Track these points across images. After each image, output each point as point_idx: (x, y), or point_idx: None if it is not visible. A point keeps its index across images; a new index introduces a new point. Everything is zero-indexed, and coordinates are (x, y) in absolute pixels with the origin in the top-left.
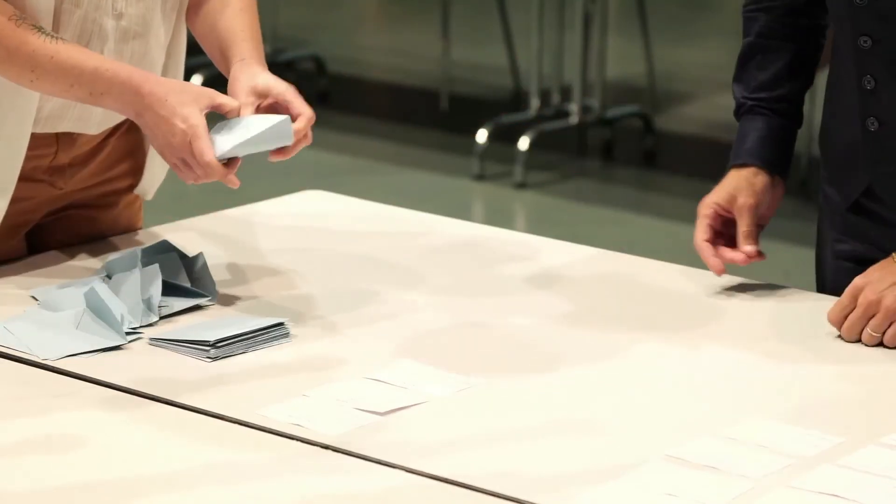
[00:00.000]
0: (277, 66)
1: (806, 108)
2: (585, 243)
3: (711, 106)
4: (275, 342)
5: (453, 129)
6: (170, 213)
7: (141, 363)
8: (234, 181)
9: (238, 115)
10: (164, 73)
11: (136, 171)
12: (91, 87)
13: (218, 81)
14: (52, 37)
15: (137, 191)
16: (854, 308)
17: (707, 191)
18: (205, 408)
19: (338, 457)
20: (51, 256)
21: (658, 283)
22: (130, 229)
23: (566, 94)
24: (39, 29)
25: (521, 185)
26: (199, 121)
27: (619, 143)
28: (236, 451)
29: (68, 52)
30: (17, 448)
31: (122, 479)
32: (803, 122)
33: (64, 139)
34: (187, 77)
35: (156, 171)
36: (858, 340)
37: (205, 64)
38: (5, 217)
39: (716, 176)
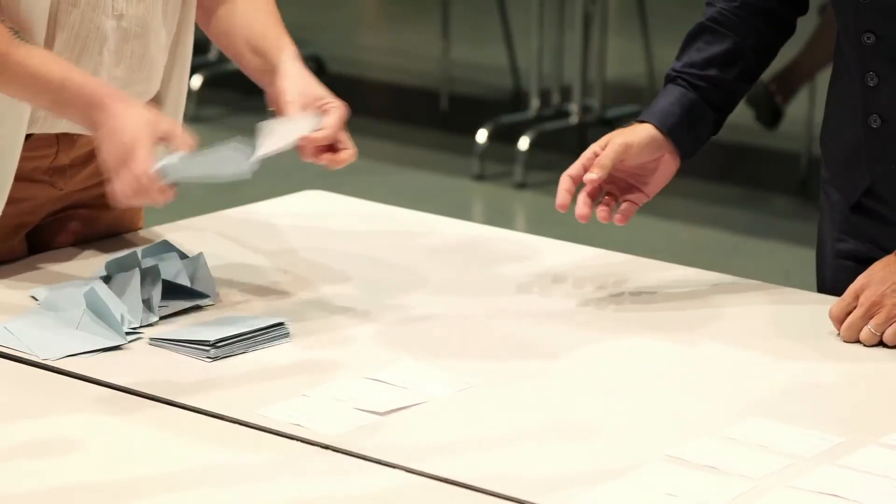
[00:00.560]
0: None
1: (806, 108)
2: (585, 243)
3: None
4: (275, 342)
5: (453, 129)
6: (170, 213)
7: (141, 363)
8: (169, 195)
9: (187, 149)
10: (169, 73)
11: None
12: (55, 95)
13: (217, 81)
14: (31, 45)
15: None
16: (856, 306)
17: (707, 190)
18: (205, 408)
19: (338, 457)
20: (51, 256)
21: (658, 283)
22: (131, 230)
23: (566, 94)
24: (16, 33)
25: (521, 185)
26: (144, 133)
27: None
28: (236, 452)
29: (42, 60)
30: (17, 448)
31: (122, 480)
32: (803, 121)
33: (64, 140)
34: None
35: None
36: (857, 340)
37: (205, 64)
38: (6, 217)
39: (716, 175)
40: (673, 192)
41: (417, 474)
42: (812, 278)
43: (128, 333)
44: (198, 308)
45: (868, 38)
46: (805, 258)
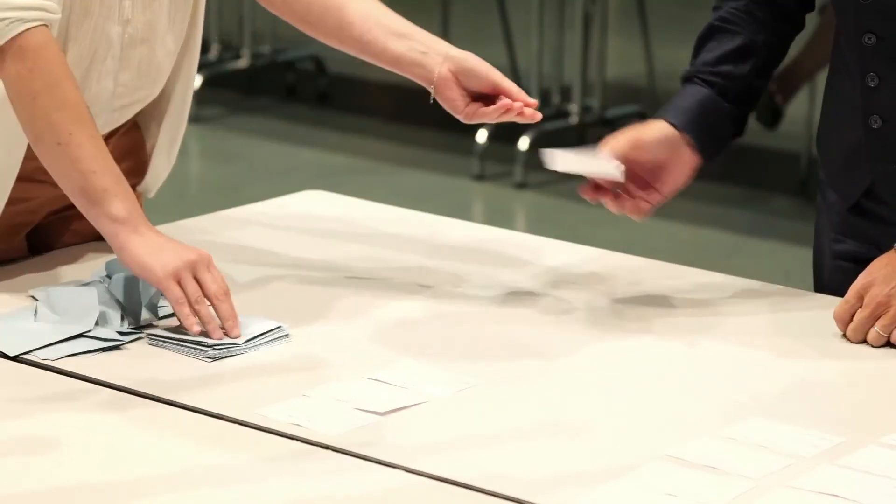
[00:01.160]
0: (277, 66)
1: (806, 108)
2: (585, 243)
3: None
4: (274, 342)
5: (453, 129)
6: (170, 213)
7: (141, 363)
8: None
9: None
10: (175, 78)
11: (138, 171)
12: (78, 186)
13: (217, 81)
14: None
15: (140, 188)
16: (860, 306)
17: (707, 190)
18: (204, 408)
19: (338, 457)
20: (52, 256)
21: (658, 284)
22: None
23: (566, 94)
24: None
25: (521, 185)
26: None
27: None
28: (236, 451)
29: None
30: (17, 448)
31: (122, 479)
32: (803, 121)
33: None
34: None
35: (159, 168)
36: (864, 341)
37: (205, 64)
38: (6, 217)
39: (716, 175)
40: None
41: (417, 474)
42: (812, 278)
43: (128, 333)
44: None
45: (869, 38)
46: (805, 258)
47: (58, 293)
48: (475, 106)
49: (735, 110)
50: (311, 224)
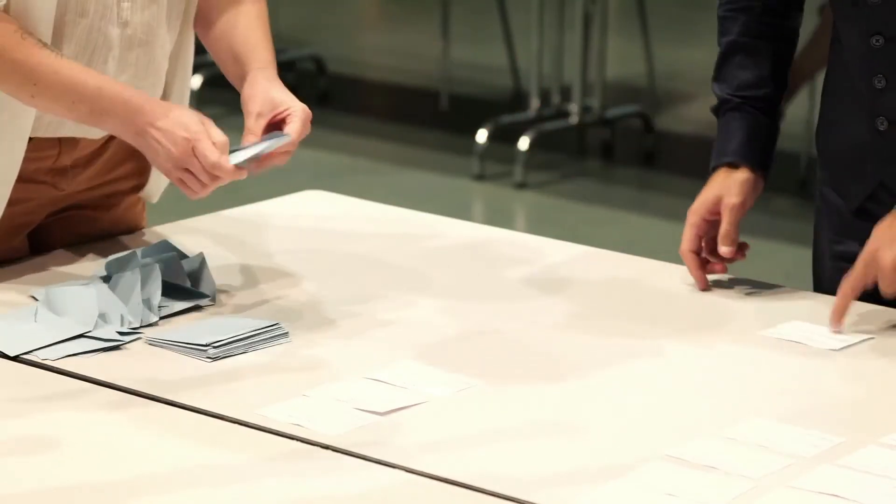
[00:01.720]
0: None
1: (806, 108)
2: (585, 243)
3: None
4: (274, 342)
5: (453, 129)
6: (171, 214)
7: (141, 363)
8: (242, 174)
9: (223, 150)
10: (170, 79)
11: (139, 173)
12: (92, 105)
13: (217, 82)
14: (57, 53)
15: (142, 194)
16: (873, 274)
17: None
18: (204, 408)
19: (338, 457)
20: (52, 257)
21: (658, 283)
22: (133, 230)
23: (566, 94)
24: (45, 45)
25: (521, 185)
26: (200, 127)
27: (619, 143)
28: (236, 451)
29: (72, 69)
30: (17, 448)
31: (122, 479)
32: (803, 121)
33: (66, 142)
34: None
35: (160, 174)
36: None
37: (205, 64)
38: (7, 218)
39: None
40: (673, 193)
41: (417, 474)
42: (812, 278)
43: (128, 333)
44: (197, 308)
45: (877, 40)
46: (805, 258)
47: (58, 293)
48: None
49: (778, 122)
50: (311, 224)
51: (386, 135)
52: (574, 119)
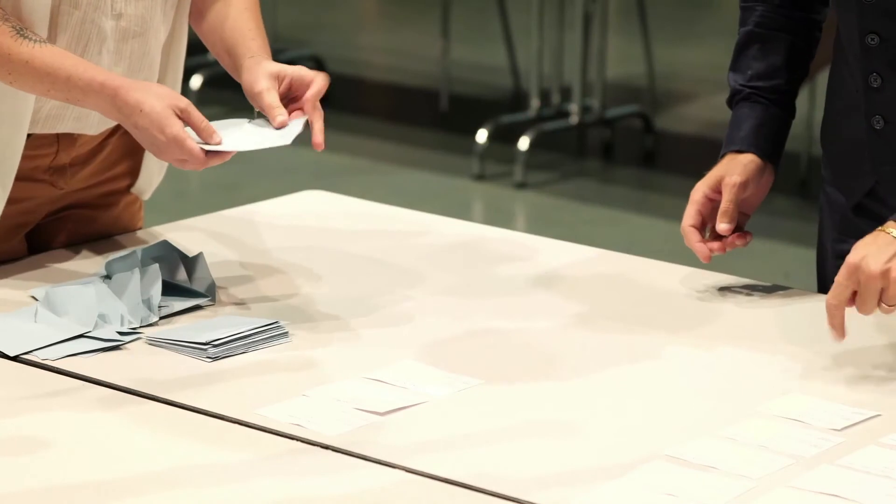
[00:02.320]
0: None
1: (806, 108)
2: (585, 243)
3: (711, 106)
4: (273, 342)
5: (453, 129)
6: (170, 213)
7: (141, 363)
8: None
9: (206, 132)
10: (164, 71)
11: (137, 171)
12: (67, 93)
13: (217, 82)
14: (32, 40)
15: (134, 190)
16: (854, 286)
17: None
18: (204, 408)
19: (338, 457)
20: (51, 256)
21: (658, 284)
22: (131, 229)
23: (566, 94)
24: (19, 31)
25: (521, 185)
26: (178, 129)
27: (619, 143)
28: (236, 451)
29: (44, 56)
30: (17, 448)
31: (122, 479)
32: (803, 121)
33: (64, 139)
34: (186, 77)
35: (152, 171)
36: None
37: (204, 64)
38: (6, 217)
39: None
40: (673, 193)
41: (417, 474)
42: (812, 278)
43: (128, 333)
44: (197, 308)
45: (872, 39)
46: (805, 258)
47: (58, 293)
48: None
49: (791, 117)
50: (311, 224)
51: (386, 135)
52: (574, 119)
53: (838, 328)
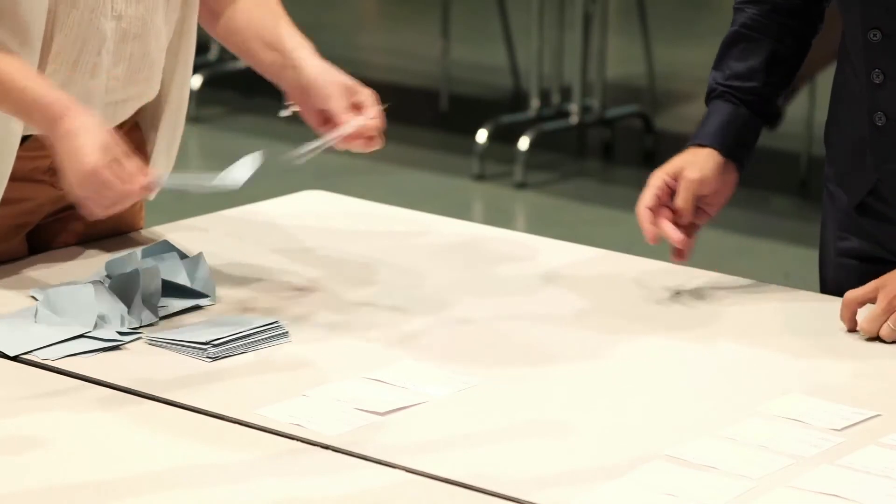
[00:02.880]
0: None
1: (806, 108)
2: (585, 243)
3: None
4: (274, 342)
5: (453, 129)
6: (170, 214)
7: (141, 363)
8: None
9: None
10: (171, 74)
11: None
12: (17, 105)
13: (217, 81)
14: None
15: None
16: (874, 299)
17: None
18: (204, 408)
19: (338, 457)
20: (51, 256)
21: (658, 284)
22: (131, 229)
23: (566, 94)
24: None
25: (521, 185)
26: (102, 162)
27: (619, 143)
28: (236, 451)
29: (6, 67)
30: (17, 447)
31: (122, 478)
32: (803, 121)
33: None
34: None
35: (160, 167)
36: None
37: (205, 64)
38: (6, 217)
39: None
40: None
41: (417, 474)
42: (812, 278)
43: (128, 333)
44: (198, 308)
45: (874, 35)
46: (805, 258)
47: (58, 293)
48: (328, 126)
49: (765, 121)
50: (311, 224)
51: (386, 135)
52: (574, 119)
53: (850, 322)
